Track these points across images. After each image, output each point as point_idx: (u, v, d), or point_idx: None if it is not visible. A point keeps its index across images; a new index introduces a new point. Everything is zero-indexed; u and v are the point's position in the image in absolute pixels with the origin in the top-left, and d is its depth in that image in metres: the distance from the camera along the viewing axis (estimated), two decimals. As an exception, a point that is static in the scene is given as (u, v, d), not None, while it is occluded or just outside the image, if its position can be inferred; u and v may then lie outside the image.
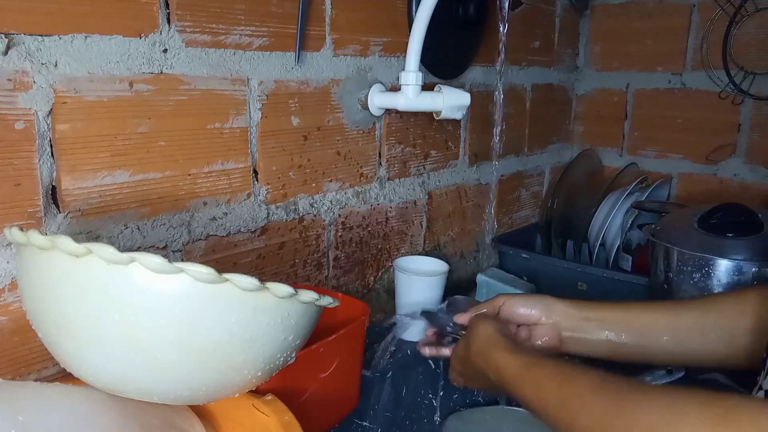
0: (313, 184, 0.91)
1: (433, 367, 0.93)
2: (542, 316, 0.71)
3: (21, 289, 0.52)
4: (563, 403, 0.50)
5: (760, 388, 0.53)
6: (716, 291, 0.88)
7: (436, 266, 1.02)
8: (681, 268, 0.90)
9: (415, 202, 1.11)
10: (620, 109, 1.48)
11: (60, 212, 0.64)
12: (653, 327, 0.67)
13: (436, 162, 1.14)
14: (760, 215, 0.91)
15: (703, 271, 0.88)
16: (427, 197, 1.14)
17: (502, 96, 1.07)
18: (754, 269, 0.86)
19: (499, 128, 1.08)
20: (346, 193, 0.97)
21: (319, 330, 0.61)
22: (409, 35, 0.89)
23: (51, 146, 0.63)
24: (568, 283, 1.14)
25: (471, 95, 0.95)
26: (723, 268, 0.88)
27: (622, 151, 1.49)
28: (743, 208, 0.92)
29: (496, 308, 0.73)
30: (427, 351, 0.78)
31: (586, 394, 0.48)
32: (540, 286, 1.16)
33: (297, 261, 0.91)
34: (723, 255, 0.87)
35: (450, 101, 0.92)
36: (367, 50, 0.95)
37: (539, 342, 0.71)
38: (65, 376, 0.56)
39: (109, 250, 0.44)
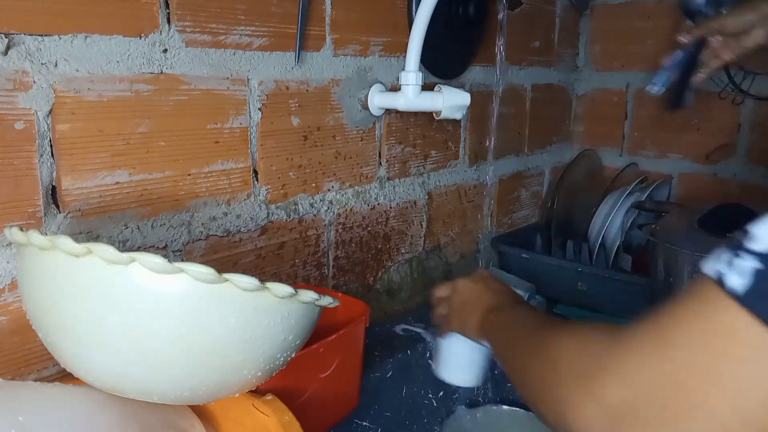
0: (313, 184, 0.91)
1: (434, 367, 0.93)
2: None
3: (21, 289, 0.52)
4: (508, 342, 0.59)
5: None
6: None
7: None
8: (681, 268, 0.90)
9: (415, 202, 1.11)
10: (620, 109, 1.48)
11: (60, 212, 0.64)
12: None
13: (436, 162, 1.14)
14: (759, 216, 0.90)
15: (703, 271, 0.88)
16: (427, 197, 1.14)
17: (499, 98, 1.06)
18: (753, 269, 0.86)
19: (494, 130, 1.08)
20: (346, 193, 0.97)
21: (319, 330, 0.61)
22: (409, 35, 0.88)
23: (51, 146, 0.63)
24: (568, 283, 1.14)
25: (471, 95, 0.95)
26: (723, 268, 0.87)
27: (622, 151, 1.49)
28: (743, 208, 0.92)
29: None
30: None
31: (519, 336, 0.57)
32: (540, 286, 1.15)
33: (297, 261, 0.91)
34: (722, 255, 0.87)
35: (450, 101, 0.92)
36: (367, 50, 0.95)
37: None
38: (65, 376, 0.56)
39: (109, 250, 0.45)
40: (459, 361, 0.80)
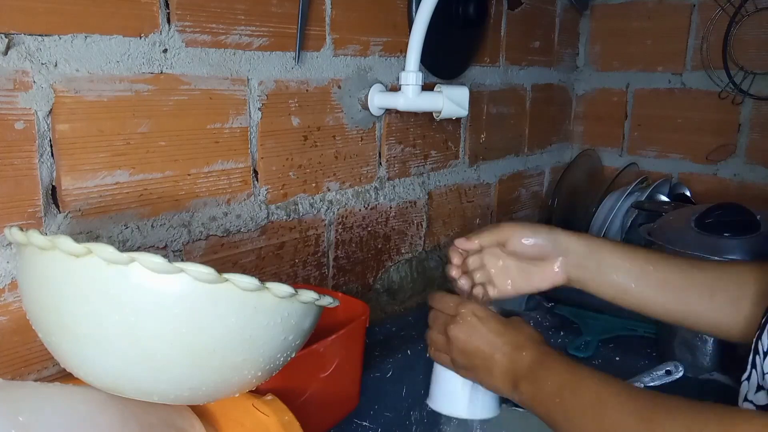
0: (313, 184, 0.91)
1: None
2: (551, 252, 0.68)
3: (21, 289, 0.52)
4: (598, 419, 0.52)
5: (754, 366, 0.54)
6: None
7: None
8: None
9: (415, 202, 1.11)
10: (620, 109, 1.48)
11: (60, 212, 0.64)
12: (665, 283, 0.66)
13: (436, 162, 1.14)
14: (758, 216, 0.90)
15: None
16: (427, 197, 1.14)
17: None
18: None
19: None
20: (345, 193, 0.97)
21: (319, 330, 0.61)
22: (409, 35, 0.89)
23: (51, 146, 0.63)
24: (568, 283, 1.14)
25: (471, 95, 0.95)
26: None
27: (622, 151, 1.49)
28: (741, 208, 0.92)
29: (503, 240, 0.69)
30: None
31: (618, 409, 0.51)
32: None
33: (297, 261, 0.91)
34: (716, 254, 0.87)
35: (450, 101, 0.92)
36: (367, 50, 0.95)
37: (544, 279, 0.69)
38: (65, 376, 0.56)
39: (109, 250, 0.45)
40: (466, 390, 0.69)
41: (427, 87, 0.92)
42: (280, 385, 0.63)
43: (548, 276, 0.70)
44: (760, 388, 0.53)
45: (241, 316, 0.48)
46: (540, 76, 1.40)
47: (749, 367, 0.55)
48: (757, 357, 0.54)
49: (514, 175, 1.39)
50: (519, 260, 0.71)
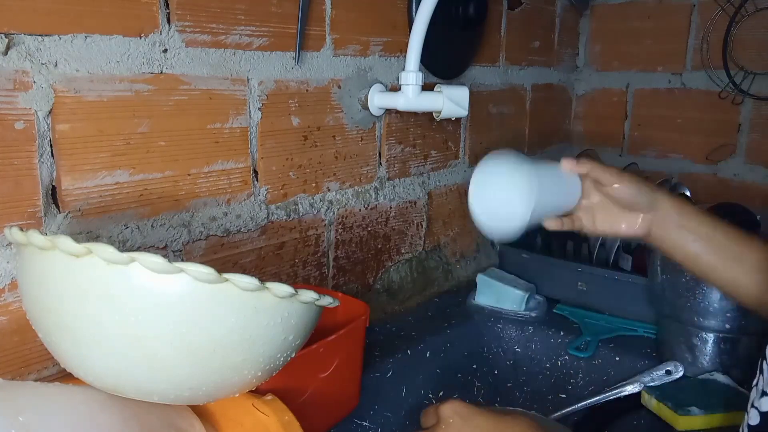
0: (313, 184, 0.91)
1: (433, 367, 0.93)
2: (642, 206, 0.70)
3: (21, 289, 0.52)
4: None
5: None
6: (708, 289, 0.87)
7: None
8: (675, 266, 0.90)
9: (415, 202, 1.11)
10: (620, 109, 1.48)
11: (60, 212, 0.64)
12: (737, 260, 0.67)
13: (436, 162, 1.14)
14: (758, 216, 0.91)
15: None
16: (427, 197, 1.14)
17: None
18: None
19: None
20: (345, 193, 0.97)
21: (319, 330, 0.61)
22: (409, 35, 0.88)
23: (51, 146, 0.63)
24: (568, 283, 1.14)
25: (471, 95, 0.95)
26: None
27: (622, 151, 1.49)
28: (740, 208, 0.92)
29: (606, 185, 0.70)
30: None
31: None
32: (540, 286, 1.16)
33: (297, 261, 0.91)
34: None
35: (450, 101, 0.92)
36: (367, 50, 0.95)
37: (627, 227, 0.71)
38: (65, 376, 0.56)
39: (109, 250, 0.45)
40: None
41: (427, 87, 0.92)
42: (280, 385, 0.63)
43: (631, 225, 0.71)
44: (764, 393, 0.53)
45: (241, 316, 0.49)
46: (540, 76, 1.40)
47: (758, 372, 0.55)
48: (765, 363, 0.54)
49: (514, 175, 1.38)
50: (609, 202, 0.72)
